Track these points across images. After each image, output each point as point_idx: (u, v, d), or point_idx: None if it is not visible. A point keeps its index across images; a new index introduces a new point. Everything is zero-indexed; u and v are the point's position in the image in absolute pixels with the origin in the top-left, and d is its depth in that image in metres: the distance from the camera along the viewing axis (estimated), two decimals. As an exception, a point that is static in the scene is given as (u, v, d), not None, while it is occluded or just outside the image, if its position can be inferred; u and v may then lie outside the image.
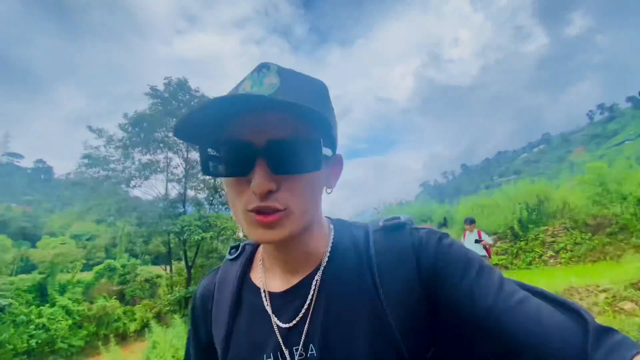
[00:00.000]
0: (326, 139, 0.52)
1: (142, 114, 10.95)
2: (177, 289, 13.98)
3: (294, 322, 0.54)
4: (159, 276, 22.34)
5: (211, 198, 12.42)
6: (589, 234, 9.90)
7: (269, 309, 0.57)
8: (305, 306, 0.55)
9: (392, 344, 0.49)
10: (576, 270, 7.88)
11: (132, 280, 22.64)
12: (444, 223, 14.65)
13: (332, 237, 0.61)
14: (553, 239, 10.58)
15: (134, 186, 11.80)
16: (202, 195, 12.48)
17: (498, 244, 11.66)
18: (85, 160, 11.60)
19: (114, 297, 21.45)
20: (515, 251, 11.17)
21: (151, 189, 12.28)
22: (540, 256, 10.50)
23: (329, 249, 0.59)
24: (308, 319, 0.54)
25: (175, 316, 8.84)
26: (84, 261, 22.63)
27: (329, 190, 0.59)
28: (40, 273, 20.09)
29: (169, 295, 13.94)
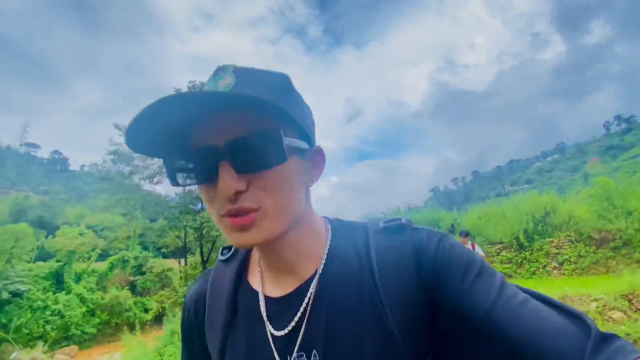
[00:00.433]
0: (292, 130, 0.50)
1: None
2: (191, 281, 14.60)
3: (287, 330, 0.52)
4: (170, 269, 23.02)
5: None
6: (593, 248, 10.07)
7: (264, 315, 0.55)
8: (299, 314, 0.53)
9: (395, 348, 0.48)
10: (575, 281, 8.10)
11: (144, 272, 23.42)
12: (452, 230, 14.90)
13: (329, 237, 0.59)
14: (558, 251, 10.77)
15: (157, 182, 12.41)
16: None
17: (503, 253, 11.89)
18: (112, 157, 12.23)
19: (126, 287, 22.26)
20: (519, 261, 11.37)
21: (171, 186, 12.90)
22: (544, 267, 10.70)
23: (326, 251, 0.57)
24: (304, 326, 0.52)
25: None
26: (100, 252, 23.48)
27: (310, 184, 0.57)
28: (57, 261, 20.97)
29: (185, 287, 14.53)
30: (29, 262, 20.46)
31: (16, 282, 17.84)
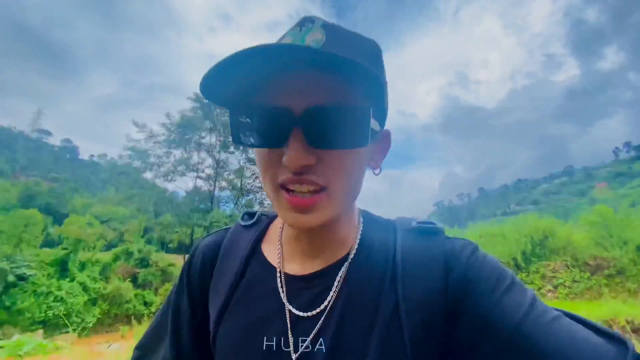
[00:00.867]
0: (376, 109, 0.46)
1: (184, 116, 12.06)
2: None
3: (313, 312, 0.50)
4: (172, 264, 23.40)
5: (236, 198, 13.42)
6: (588, 274, 10.27)
7: (282, 291, 0.53)
8: (329, 298, 0.50)
9: (401, 352, 0.46)
10: (564, 304, 8.33)
11: (147, 265, 23.84)
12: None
13: (361, 229, 0.57)
14: (553, 274, 10.97)
15: (170, 180, 12.94)
16: (226, 194, 13.52)
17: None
18: (129, 152, 12.78)
19: (128, 279, 22.66)
20: (515, 282, 11.56)
21: (183, 185, 13.40)
22: (539, 289, 10.88)
23: (357, 242, 0.55)
24: (326, 313, 0.50)
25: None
26: (105, 242, 23.98)
27: (376, 172, 0.55)
28: (63, 249, 21.45)
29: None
30: (36, 247, 21.00)
31: (23, 266, 18.32)
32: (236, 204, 13.58)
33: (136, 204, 15.59)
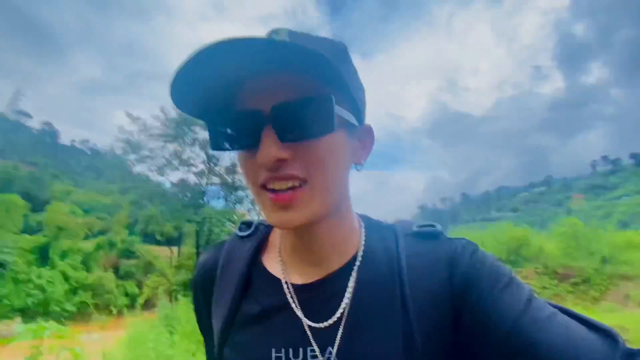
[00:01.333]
0: (344, 100, 0.47)
1: (180, 112, 12.07)
2: (182, 270, 15.14)
3: (328, 323, 0.49)
4: (155, 257, 23.33)
5: (227, 194, 13.64)
6: (556, 281, 11.01)
7: (292, 301, 0.52)
8: (343, 305, 0.50)
9: (414, 357, 0.46)
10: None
11: (129, 256, 23.70)
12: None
13: (363, 234, 0.56)
14: (524, 281, 11.64)
15: (164, 174, 13.04)
16: (216, 189, 13.73)
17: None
18: (122, 144, 12.79)
19: (110, 270, 22.49)
20: (489, 287, 12.29)
21: (174, 179, 13.53)
22: (511, 294, 11.60)
23: (362, 248, 0.54)
24: (343, 323, 0.49)
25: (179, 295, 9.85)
26: (87, 232, 23.72)
27: (358, 167, 0.55)
28: (44, 236, 21.12)
29: (176, 276, 15.10)
30: (15, 233, 20.60)
31: (4, 252, 18.01)
32: (227, 199, 13.80)
33: (131, 196, 15.55)
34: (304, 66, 0.41)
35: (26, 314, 17.78)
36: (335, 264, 0.53)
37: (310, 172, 0.44)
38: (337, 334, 0.49)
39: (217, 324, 0.57)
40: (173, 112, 12.54)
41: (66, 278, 20.69)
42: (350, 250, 0.54)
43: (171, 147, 12.75)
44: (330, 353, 0.48)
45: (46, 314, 18.92)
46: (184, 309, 7.83)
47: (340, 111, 0.45)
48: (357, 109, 0.50)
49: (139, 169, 13.72)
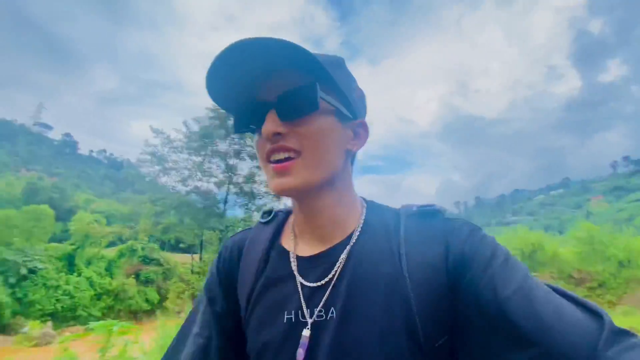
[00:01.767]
0: (333, 92, 0.56)
1: (203, 127, 12.99)
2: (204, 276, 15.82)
3: (320, 282, 0.56)
4: (175, 264, 24.05)
5: (247, 203, 14.24)
6: (572, 286, 11.03)
7: (295, 269, 0.60)
8: (333, 271, 0.56)
9: (408, 325, 0.50)
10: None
11: (150, 263, 24.49)
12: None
13: (364, 213, 0.63)
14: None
15: (188, 185, 13.75)
16: (234, 198, 14.34)
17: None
18: (148, 157, 13.56)
19: (132, 276, 23.29)
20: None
21: (197, 189, 14.21)
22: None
23: (361, 223, 0.61)
24: (332, 283, 0.56)
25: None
26: (111, 239, 24.69)
27: (351, 151, 0.62)
28: (71, 244, 22.09)
29: (200, 282, 15.75)
30: (45, 242, 21.62)
31: (35, 259, 18.96)
32: (247, 208, 14.38)
33: (160, 206, 16.35)
34: (298, 63, 0.53)
35: (56, 318, 18.61)
36: (336, 239, 0.61)
37: (303, 146, 0.54)
38: (329, 294, 0.55)
39: (242, 299, 0.64)
40: (195, 126, 13.23)
41: (91, 284, 21.52)
42: (350, 227, 0.62)
43: (195, 159, 13.45)
44: (333, 312, 0.54)
45: (74, 318, 19.70)
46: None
47: (327, 97, 0.55)
48: (347, 101, 0.59)
49: (163, 180, 14.46)
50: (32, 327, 15.26)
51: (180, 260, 24.10)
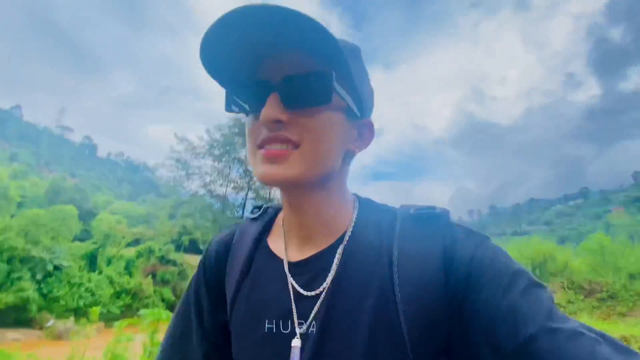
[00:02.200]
0: (346, 85, 0.51)
1: (224, 134, 13.92)
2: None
3: (313, 292, 0.52)
4: (188, 264, 24.82)
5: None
6: (582, 296, 11.16)
7: (281, 274, 0.56)
8: (327, 280, 0.52)
9: (395, 340, 0.45)
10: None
11: (166, 263, 25.34)
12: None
13: (356, 213, 0.58)
14: (550, 295, 11.94)
15: (210, 190, 14.51)
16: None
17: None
18: (173, 162, 14.42)
19: (149, 276, 24.13)
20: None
21: (218, 194, 15.02)
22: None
23: (352, 224, 0.56)
24: (323, 295, 0.51)
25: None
26: (129, 240, 25.67)
27: (353, 152, 0.57)
28: (93, 243, 23.09)
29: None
30: (69, 241, 22.69)
31: (60, 257, 19.94)
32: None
33: (185, 209, 17.19)
34: (315, 45, 0.46)
35: (78, 314, 19.44)
36: (327, 240, 0.56)
37: (303, 138, 0.48)
38: (316, 308, 0.51)
39: (228, 298, 0.61)
40: (216, 133, 13.99)
41: (111, 282, 22.38)
42: (341, 228, 0.56)
43: (217, 165, 14.22)
44: (314, 327, 0.50)
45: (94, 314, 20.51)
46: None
47: (340, 91, 0.49)
48: (359, 98, 0.54)
49: (186, 185, 15.28)
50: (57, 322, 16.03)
51: (190, 262, 24.86)
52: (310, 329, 0.51)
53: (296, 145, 0.48)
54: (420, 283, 0.47)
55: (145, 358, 3.59)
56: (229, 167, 14.49)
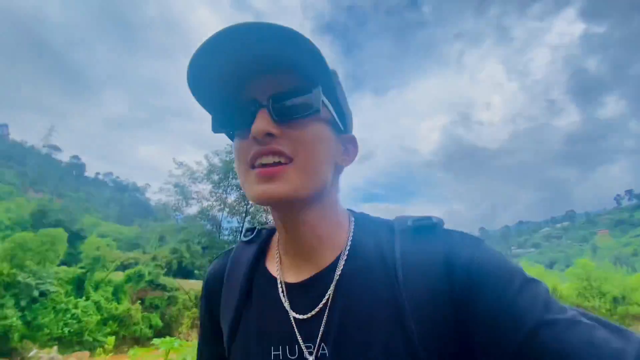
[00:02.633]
0: (331, 98, 0.52)
1: (222, 160, 14.25)
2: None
3: (310, 314, 0.52)
4: (177, 289, 24.28)
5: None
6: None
7: (285, 301, 0.55)
8: (324, 300, 0.51)
9: (410, 352, 0.45)
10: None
11: (155, 288, 24.74)
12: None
13: (352, 229, 0.58)
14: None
15: (208, 215, 14.69)
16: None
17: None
18: (171, 187, 14.60)
19: (138, 301, 23.46)
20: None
21: (215, 219, 15.17)
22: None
23: (349, 243, 0.56)
24: (325, 314, 0.51)
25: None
26: (118, 263, 25.11)
27: (340, 166, 0.58)
28: (81, 267, 22.51)
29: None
30: (55, 265, 22.06)
31: (47, 282, 19.37)
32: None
33: (183, 235, 17.18)
34: (301, 63, 0.48)
35: (62, 342, 18.72)
36: (325, 259, 0.56)
37: (296, 151, 0.49)
38: (322, 329, 0.50)
39: (225, 326, 0.60)
40: (214, 158, 14.33)
41: (99, 309, 21.71)
42: (339, 244, 0.56)
43: (215, 190, 14.46)
44: (325, 349, 0.49)
45: (79, 343, 19.76)
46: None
47: (327, 104, 0.52)
48: (342, 113, 0.57)
49: (185, 209, 15.42)
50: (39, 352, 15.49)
51: (193, 287, 24.40)
52: (320, 351, 0.50)
53: (290, 159, 0.49)
54: (427, 293, 0.47)
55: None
56: (226, 192, 14.73)
